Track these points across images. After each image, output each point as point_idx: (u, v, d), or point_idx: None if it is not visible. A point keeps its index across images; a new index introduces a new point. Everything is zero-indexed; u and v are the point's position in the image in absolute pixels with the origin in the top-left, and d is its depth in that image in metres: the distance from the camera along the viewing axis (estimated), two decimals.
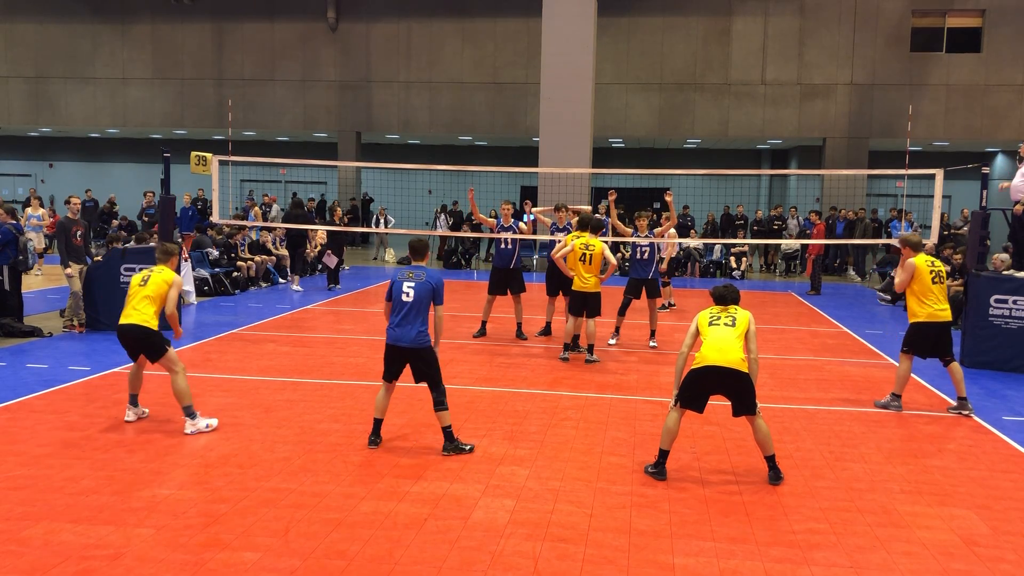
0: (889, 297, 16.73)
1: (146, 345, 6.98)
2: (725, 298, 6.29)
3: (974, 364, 10.17)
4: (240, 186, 31.86)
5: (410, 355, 6.41)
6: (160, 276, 7.14)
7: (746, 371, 5.93)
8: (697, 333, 6.18)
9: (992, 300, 10.15)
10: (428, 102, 26.75)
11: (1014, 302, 10.08)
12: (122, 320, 7.05)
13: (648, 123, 26.06)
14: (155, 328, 6.99)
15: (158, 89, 27.62)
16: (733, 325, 6.06)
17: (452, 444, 6.47)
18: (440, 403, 6.42)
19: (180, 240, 16.22)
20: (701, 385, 5.99)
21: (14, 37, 27.85)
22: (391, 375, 6.54)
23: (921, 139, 25.03)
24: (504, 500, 5.53)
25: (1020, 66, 24.16)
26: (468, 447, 6.53)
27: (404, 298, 6.40)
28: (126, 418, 7.13)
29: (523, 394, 8.40)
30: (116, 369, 8.98)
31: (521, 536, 4.95)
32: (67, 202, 11.85)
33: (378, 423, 6.61)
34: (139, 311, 6.99)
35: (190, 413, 6.88)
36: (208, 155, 12.81)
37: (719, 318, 6.15)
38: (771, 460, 6.04)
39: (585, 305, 9.98)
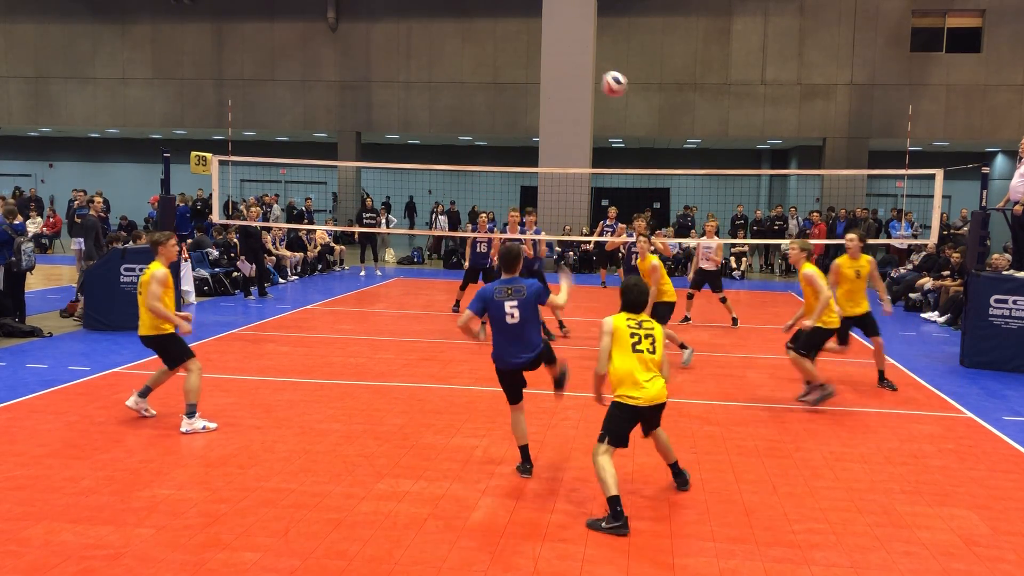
0: (888, 297, 16.72)
1: (161, 352, 7.07)
2: (639, 305, 5.55)
3: (974, 364, 10.17)
4: (240, 186, 31.85)
5: (532, 366, 6.01)
6: (143, 277, 7.10)
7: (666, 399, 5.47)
8: (611, 344, 5.42)
9: (992, 300, 10.15)
10: (428, 102, 26.75)
11: (1014, 302, 10.07)
12: (139, 331, 7.17)
13: (648, 123, 26.07)
14: (165, 332, 7.01)
15: (158, 89, 27.62)
16: (654, 352, 5.41)
17: (562, 387, 6.27)
18: (551, 359, 6.10)
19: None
20: (631, 421, 5.40)
21: (14, 37, 27.86)
22: (516, 397, 6.07)
23: (921, 139, 25.04)
24: (504, 500, 5.53)
25: (1020, 66, 24.16)
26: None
27: (509, 320, 5.81)
28: (127, 401, 7.20)
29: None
30: (116, 369, 8.98)
31: (521, 536, 4.95)
32: (91, 202, 13.16)
33: (524, 449, 6.07)
34: (144, 321, 7.06)
35: (191, 412, 6.89)
36: (208, 155, 12.82)
37: (640, 339, 5.40)
38: (675, 467, 5.79)
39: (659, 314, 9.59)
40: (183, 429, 6.83)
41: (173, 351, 7.03)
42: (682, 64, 25.53)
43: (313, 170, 31.19)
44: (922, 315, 14.78)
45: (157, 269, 7.02)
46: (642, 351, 5.36)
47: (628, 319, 5.48)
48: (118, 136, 32.62)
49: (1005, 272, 10.70)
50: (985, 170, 11.24)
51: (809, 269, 8.14)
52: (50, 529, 4.88)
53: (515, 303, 5.75)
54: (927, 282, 15.47)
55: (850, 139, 25.16)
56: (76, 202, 20.56)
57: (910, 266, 17.82)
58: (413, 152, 32.40)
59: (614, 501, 5.04)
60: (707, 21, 25.28)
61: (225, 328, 11.85)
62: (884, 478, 6.17)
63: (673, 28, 25.44)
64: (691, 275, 13.77)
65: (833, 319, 8.15)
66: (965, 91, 24.49)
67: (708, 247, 13.21)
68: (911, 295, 15.76)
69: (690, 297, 13.44)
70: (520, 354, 5.88)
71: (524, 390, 6.11)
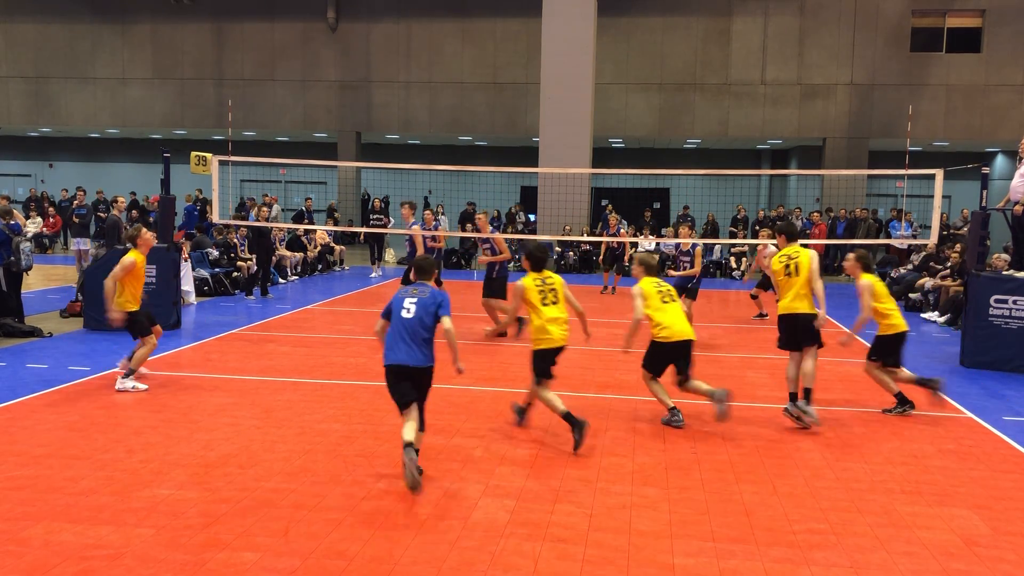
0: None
1: (128, 326, 8.27)
2: (542, 263, 7.08)
3: (974, 364, 10.17)
4: (240, 186, 31.85)
5: (416, 375, 5.80)
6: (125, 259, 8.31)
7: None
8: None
9: (992, 300, 10.15)
10: (428, 102, 26.76)
11: (1014, 302, 10.07)
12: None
13: (648, 123, 26.07)
14: (131, 309, 8.24)
15: (158, 89, 27.62)
16: (557, 302, 6.94)
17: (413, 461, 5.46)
18: (422, 424, 5.81)
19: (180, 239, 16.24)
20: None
21: (14, 37, 27.86)
22: (401, 403, 5.80)
23: (921, 139, 25.05)
24: (504, 500, 5.52)
25: (1020, 66, 24.17)
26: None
27: (404, 314, 5.83)
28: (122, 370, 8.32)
29: (523, 394, 8.38)
30: (116, 369, 8.97)
31: (521, 536, 4.95)
32: (114, 201, 14.87)
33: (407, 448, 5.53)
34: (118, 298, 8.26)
35: (129, 373, 8.07)
36: (208, 155, 12.82)
37: (545, 294, 6.93)
38: (568, 417, 6.64)
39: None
40: (117, 386, 8.03)
41: (133, 325, 8.26)
42: (682, 64, 25.53)
43: (313, 170, 31.19)
44: (922, 315, 14.78)
45: (127, 257, 8.28)
46: (548, 304, 6.86)
47: (535, 278, 6.90)
48: (118, 136, 32.62)
49: (1005, 272, 10.70)
50: (985, 170, 11.24)
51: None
52: (50, 529, 4.88)
53: (414, 300, 5.92)
54: (927, 281, 15.47)
55: (850, 139, 25.16)
56: (76, 202, 20.54)
57: (910, 266, 17.83)
58: (413, 152, 32.41)
59: (567, 416, 6.58)
60: (707, 21, 25.28)
61: (225, 328, 11.84)
62: (884, 478, 6.17)
63: (673, 28, 25.44)
64: (746, 277, 15.53)
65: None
66: (965, 91, 24.49)
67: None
68: (911, 295, 15.76)
69: (754, 297, 14.12)
70: (400, 350, 5.77)
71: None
